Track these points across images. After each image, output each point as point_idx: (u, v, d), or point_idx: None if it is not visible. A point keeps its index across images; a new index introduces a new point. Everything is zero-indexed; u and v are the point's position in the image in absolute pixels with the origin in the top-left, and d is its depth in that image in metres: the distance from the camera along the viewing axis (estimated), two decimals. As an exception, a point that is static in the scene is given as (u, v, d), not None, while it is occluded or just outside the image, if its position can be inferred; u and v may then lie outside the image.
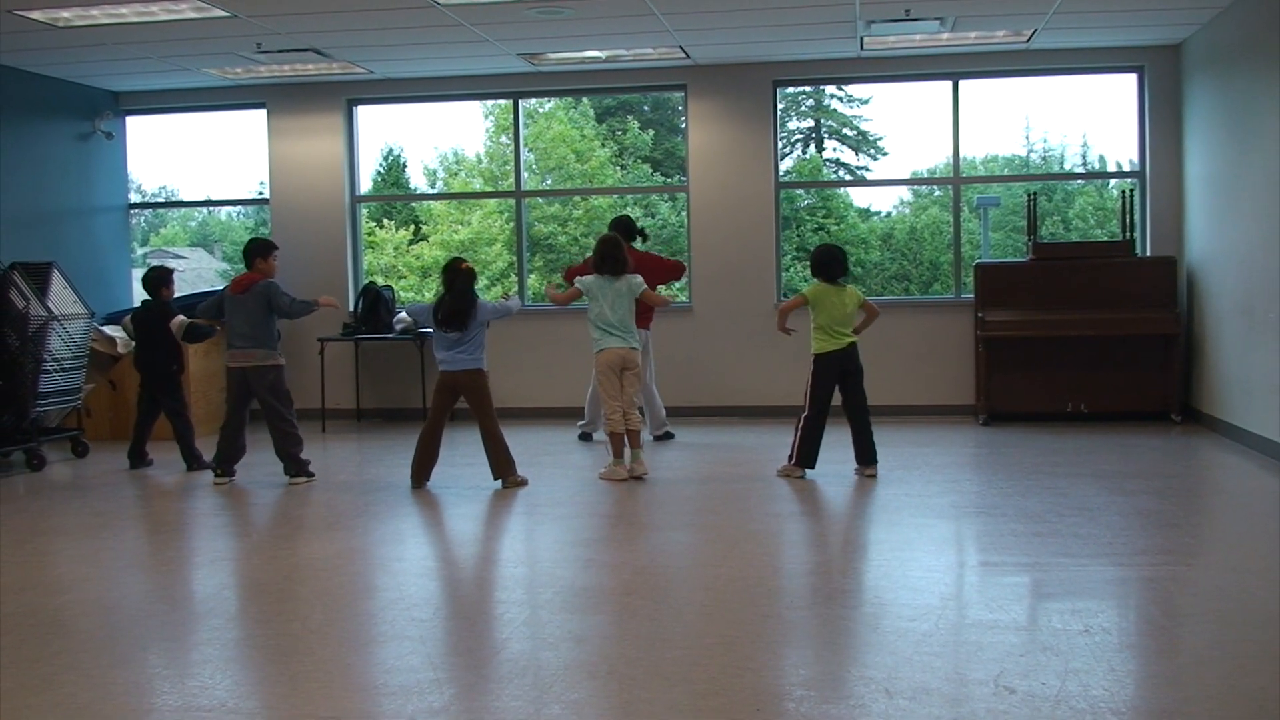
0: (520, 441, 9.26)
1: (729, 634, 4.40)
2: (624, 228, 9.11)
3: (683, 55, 10.31)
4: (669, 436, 9.46)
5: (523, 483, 7.52)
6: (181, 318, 8.49)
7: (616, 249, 7.79)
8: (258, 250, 8.01)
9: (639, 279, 7.80)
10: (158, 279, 8.67)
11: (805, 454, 7.57)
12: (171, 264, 10.21)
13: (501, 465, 7.49)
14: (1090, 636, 4.19)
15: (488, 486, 7.52)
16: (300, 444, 7.90)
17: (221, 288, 8.25)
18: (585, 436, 9.54)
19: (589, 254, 8.17)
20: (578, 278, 7.92)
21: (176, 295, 9.02)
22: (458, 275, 7.42)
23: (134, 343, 8.73)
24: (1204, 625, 4.47)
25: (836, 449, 7.76)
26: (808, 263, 8.20)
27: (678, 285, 10.20)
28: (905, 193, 21.73)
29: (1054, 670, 3.84)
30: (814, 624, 4.56)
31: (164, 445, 8.87)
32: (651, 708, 3.61)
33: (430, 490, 7.47)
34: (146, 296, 8.71)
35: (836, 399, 7.61)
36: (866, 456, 7.59)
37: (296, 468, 7.84)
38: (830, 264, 7.57)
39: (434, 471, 7.61)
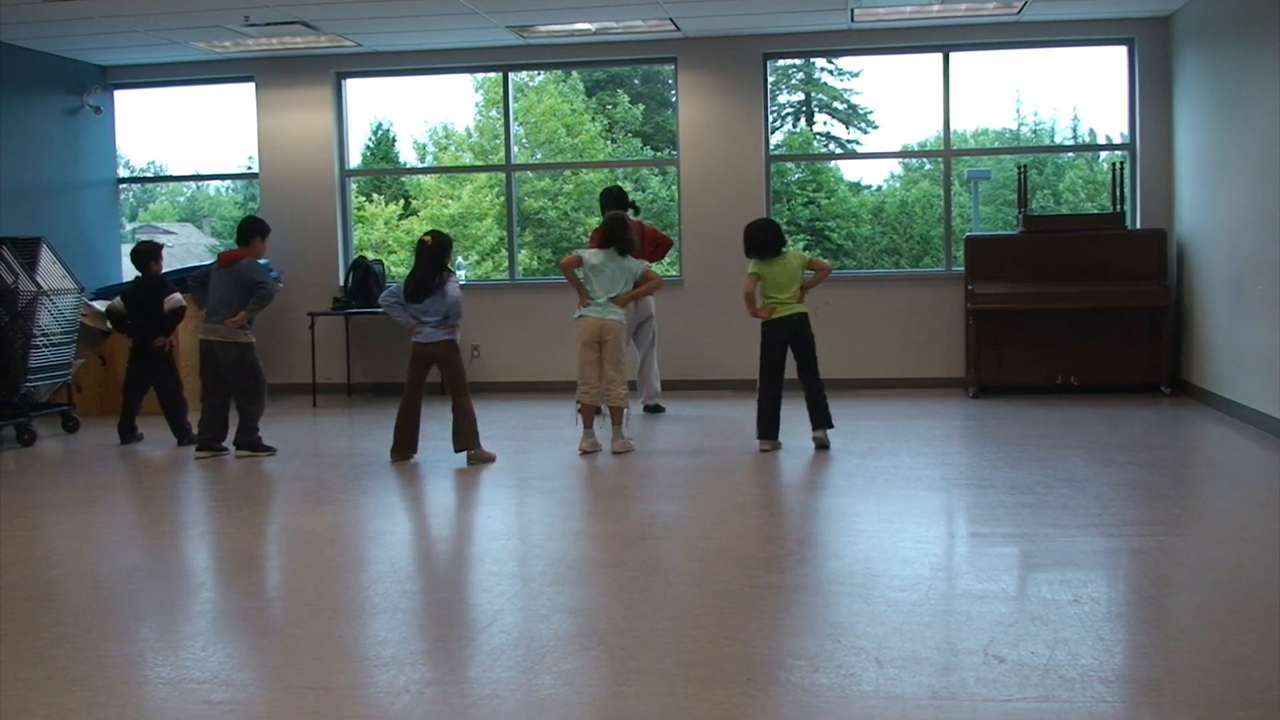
0: (511, 416, 9.28)
1: (719, 604, 4.42)
2: (618, 199, 9.08)
3: (673, 28, 10.26)
4: (659, 410, 9.46)
5: (490, 459, 7.46)
6: (177, 296, 8.50)
7: (627, 229, 7.75)
8: (258, 229, 7.99)
9: (642, 265, 7.80)
10: (147, 253, 8.64)
11: (764, 426, 7.56)
12: (160, 239, 10.16)
13: (467, 438, 7.39)
14: (1079, 606, 4.22)
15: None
16: (258, 418, 7.89)
17: (210, 261, 8.21)
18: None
19: (586, 232, 8.13)
20: (580, 251, 7.79)
21: (166, 270, 8.98)
22: (421, 249, 7.48)
23: (127, 320, 8.68)
24: (1192, 595, 4.50)
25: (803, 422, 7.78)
26: (790, 236, 8.04)
27: (666, 261, 10.20)
28: (896, 166, 21.75)
29: (1043, 639, 3.86)
30: (804, 594, 4.58)
31: (153, 420, 8.85)
32: (643, 678, 3.63)
33: (420, 464, 7.47)
34: (137, 273, 8.68)
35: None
36: (821, 421, 7.57)
37: (249, 441, 7.85)
38: (764, 244, 7.57)
39: (424, 445, 7.60)
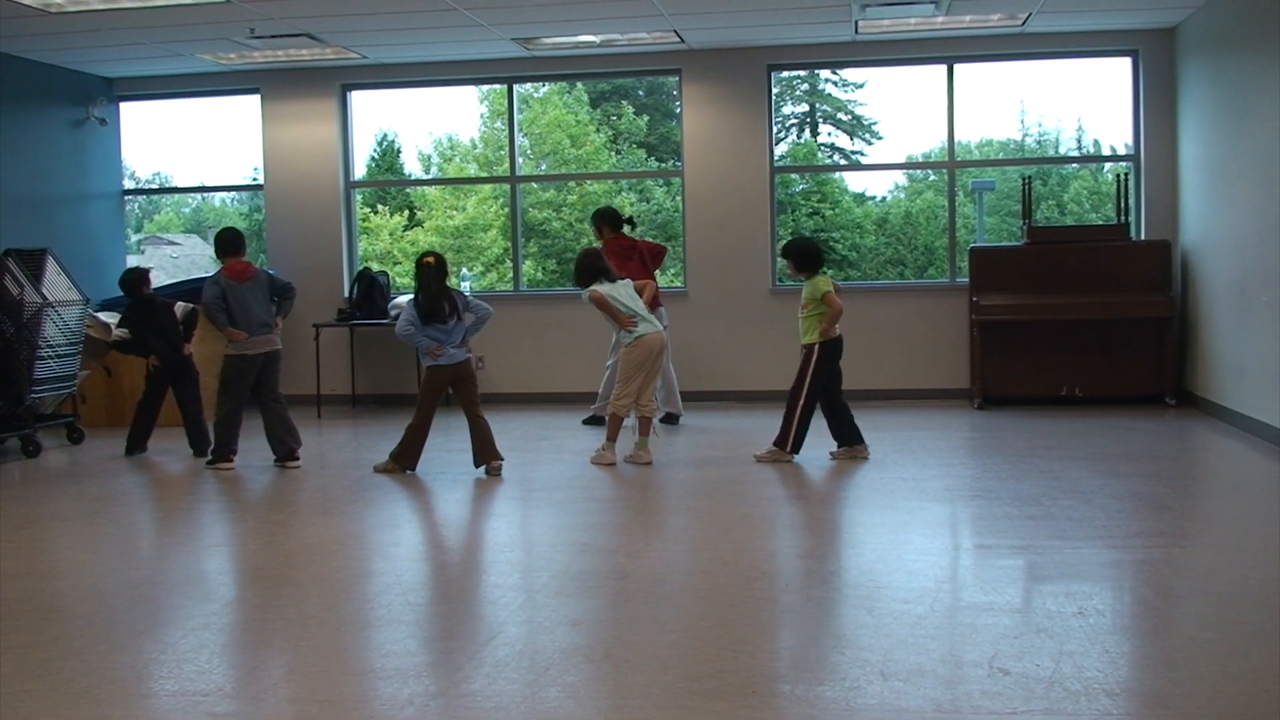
0: (515, 427, 9.30)
1: (724, 617, 4.42)
2: (612, 220, 9.17)
3: (677, 39, 10.28)
4: (673, 420, 9.39)
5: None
6: (181, 303, 8.57)
7: (599, 259, 7.89)
8: (243, 240, 8.08)
9: (625, 280, 7.88)
10: (136, 280, 8.66)
11: (801, 440, 7.57)
12: (166, 250, 10.21)
13: (492, 451, 7.44)
14: (1084, 618, 4.21)
15: (480, 471, 7.50)
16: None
17: (207, 279, 8.04)
18: (596, 419, 9.34)
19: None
20: (597, 293, 7.69)
21: (170, 281, 9.00)
22: (425, 270, 7.39)
23: (138, 341, 8.64)
24: (1197, 606, 4.49)
25: (824, 434, 7.77)
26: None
27: (671, 271, 10.22)
28: (900, 177, 21.70)
29: (1048, 652, 3.86)
30: (809, 607, 4.58)
31: (160, 431, 8.82)
32: (647, 690, 3.63)
33: (423, 476, 7.47)
34: (128, 299, 8.71)
35: None
36: (858, 435, 7.67)
37: (292, 453, 7.87)
38: (819, 252, 7.68)
39: (426, 458, 7.58)
